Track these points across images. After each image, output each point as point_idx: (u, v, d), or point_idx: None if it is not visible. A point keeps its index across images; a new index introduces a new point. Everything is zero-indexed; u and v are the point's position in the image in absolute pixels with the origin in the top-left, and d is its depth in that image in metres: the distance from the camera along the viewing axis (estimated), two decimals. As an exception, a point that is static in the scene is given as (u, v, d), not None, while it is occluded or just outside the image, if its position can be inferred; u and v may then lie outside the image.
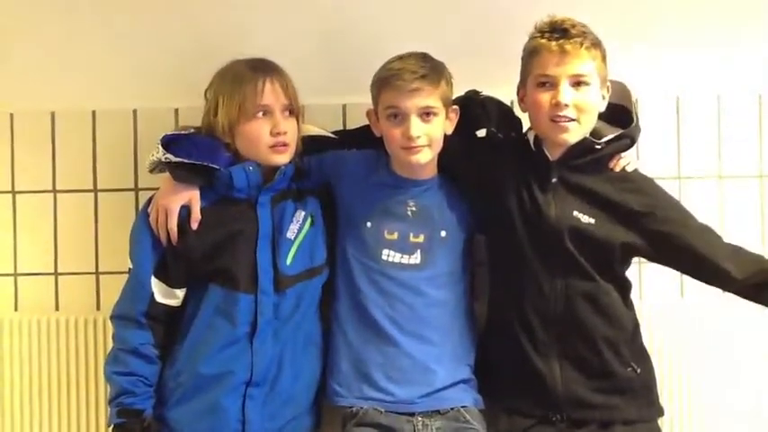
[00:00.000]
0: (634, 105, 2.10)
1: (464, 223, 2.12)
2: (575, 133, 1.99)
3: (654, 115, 2.20)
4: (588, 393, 2.02)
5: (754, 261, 2.01)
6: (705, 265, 2.00)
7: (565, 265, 2.02)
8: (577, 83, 1.97)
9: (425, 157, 2.04)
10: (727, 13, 2.35)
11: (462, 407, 2.05)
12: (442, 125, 2.05)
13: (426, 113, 2.02)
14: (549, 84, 1.97)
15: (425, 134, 2.02)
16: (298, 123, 2.06)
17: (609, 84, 2.04)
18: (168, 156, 1.97)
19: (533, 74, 2.00)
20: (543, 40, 1.98)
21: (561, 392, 2.01)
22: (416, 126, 2.01)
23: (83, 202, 2.34)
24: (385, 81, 2.03)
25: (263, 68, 2.02)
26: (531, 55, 2.01)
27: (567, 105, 1.96)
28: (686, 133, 2.36)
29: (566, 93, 1.96)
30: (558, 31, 1.97)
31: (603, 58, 2.00)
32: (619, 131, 2.06)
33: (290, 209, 2.06)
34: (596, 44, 1.98)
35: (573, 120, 1.97)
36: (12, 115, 2.35)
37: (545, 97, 1.98)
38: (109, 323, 2.06)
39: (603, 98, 2.03)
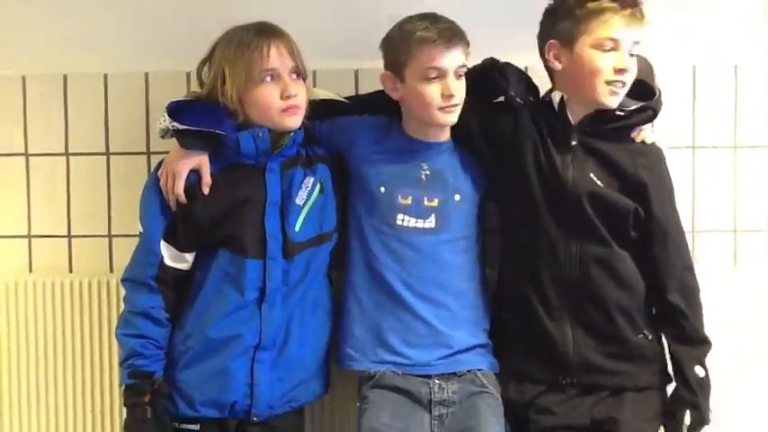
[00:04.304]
0: (656, 80, 2.09)
1: (478, 187, 2.12)
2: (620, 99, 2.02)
3: (670, 84, 2.17)
4: (599, 359, 2.02)
5: (677, 322, 2.03)
6: (654, 274, 2.04)
7: (581, 230, 2.01)
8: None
9: (456, 117, 2.04)
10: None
11: (479, 370, 2.05)
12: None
13: (460, 73, 2.02)
14: (612, 47, 1.97)
15: (459, 93, 2.02)
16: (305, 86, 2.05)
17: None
18: (175, 123, 1.96)
19: (594, 35, 1.97)
20: (613, 4, 1.96)
21: (572, 357, 2.02)
22: (455, 85, 2.00)
23: (95, 165, 2.35)
24: (421, 40, 1.99)
25: (266, 32, 1.99)
26: (592, 15, 1.98)
27: (626, 71, 1.98)
28: (702, 103, 2.34)
29: (627, 57, 1.98)
30: None
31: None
32: (641, 104, 2.05)
33: (299, 175, 2.06)
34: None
35: (624, 84, 1.99)
36: (24, 78, 2.34)
37: (607, 60, 1.97)
38: (121, 285, 2.07)
39: None
